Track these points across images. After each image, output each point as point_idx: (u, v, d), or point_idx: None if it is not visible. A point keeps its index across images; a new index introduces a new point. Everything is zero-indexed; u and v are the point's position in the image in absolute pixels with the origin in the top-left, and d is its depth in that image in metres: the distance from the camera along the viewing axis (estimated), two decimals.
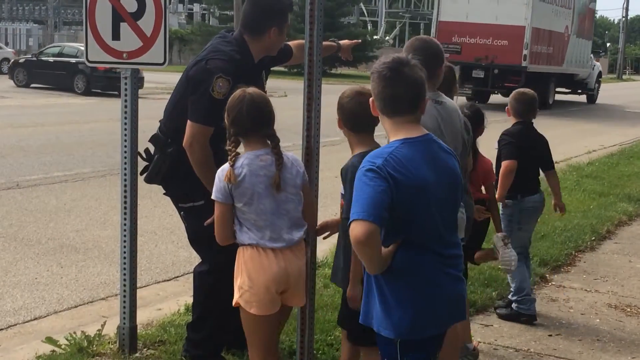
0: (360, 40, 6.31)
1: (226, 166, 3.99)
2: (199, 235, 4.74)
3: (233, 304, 4.09)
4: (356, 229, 3.04)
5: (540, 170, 6.39)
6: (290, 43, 5.45)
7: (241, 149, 4.10)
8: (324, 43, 5.62)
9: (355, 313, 4.26)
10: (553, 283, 7.41)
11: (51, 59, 32.35)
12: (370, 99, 3.36)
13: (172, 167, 4.79)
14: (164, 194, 4.94)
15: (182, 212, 4.94)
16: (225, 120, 4.05)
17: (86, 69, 30.45)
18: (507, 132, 6.14)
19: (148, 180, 4.95)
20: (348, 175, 4.02)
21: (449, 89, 4.95)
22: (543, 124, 25.75)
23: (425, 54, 4.40)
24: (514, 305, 6.23)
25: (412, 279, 3.23)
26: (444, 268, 3.30)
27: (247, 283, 3.99)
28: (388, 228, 3.15)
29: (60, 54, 32.74)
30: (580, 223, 9.63)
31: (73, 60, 31.46)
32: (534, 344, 5.82)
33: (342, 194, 4.18)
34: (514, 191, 6.02)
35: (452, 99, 4.95)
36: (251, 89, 4.05)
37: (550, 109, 29.73)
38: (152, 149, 4.98)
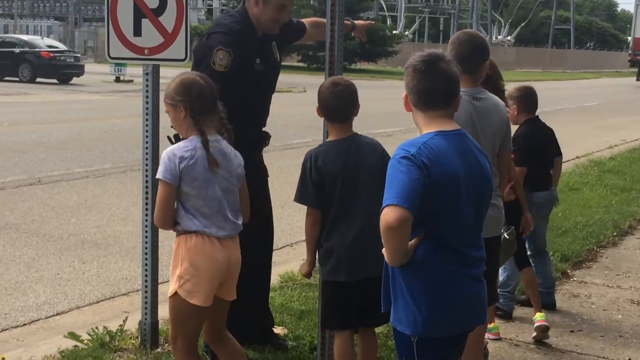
0: (374, 22, 6.28)
1: (177, 146, 3.91)
2: None
3: (169, 294, 3.99)
4: (389, 214, 3.00)
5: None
6: (304, 20, 5.44)
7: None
8: None
9: (322, 301, 4.42)
10: (575, 279, 7.38)
11: None
12: (403, 94, 3.34)
13: None
14: None
15: None
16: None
17: (32, 58, 33.20)
18: (517, 136, 5.98)
19: None
20: (304, 160, 4.22)
21: (494, 85, 4.88)
22: (564, 120, 25.68)
23: (470, 47, 4.40)
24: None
25: (430, 276, 3.20)
26: (464, 268, 3.26)
27: (189, 272, 3.89)
28: (414, 220, 3.12)
29: (2, 45, 34.71)
30: (602, 218, 9.57)
31: (17, 50, 33.81)
32: (556, 340, 5.80)
33: None
34: (524, 185, 5.98)
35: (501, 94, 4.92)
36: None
37: None
38: None
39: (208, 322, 4.16)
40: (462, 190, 3.19)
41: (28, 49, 33.93)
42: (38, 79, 33.09)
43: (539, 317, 5.80)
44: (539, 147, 6.14)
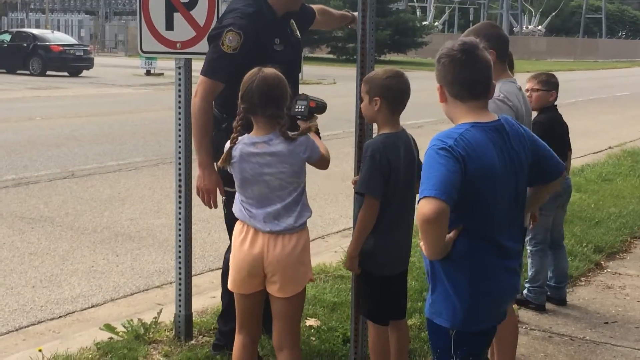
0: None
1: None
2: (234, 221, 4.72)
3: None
4: (426, 207, 2.96)
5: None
6: (314, 7, 5.36)
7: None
8: (339, 13, 5.58)
9: (366, 295, 4.34)
10: (608, 270, 7.32)
11: (5, 44, 35.64)
12: (438, 86, 3.27)
13: None
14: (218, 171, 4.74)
15: (224, 197, 4.80)
16: (239, 96, 3.98)
17: (42, 52, 34.44)
18: (540, 124, 5.86)
19: None
20: (368, 151, 4.11)
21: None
22: (597, 110, 25.37)
23: (499, 39, 4.44)
24: (524, 291, 6.14)
25: (470, 269, 3.17)
26: (502, 261, 3.23)
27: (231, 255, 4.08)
28: (452, 213, 3.10)
29: (13, 39, 36.01)
30: (636, 209, 9.49)
31: (27, 44, 35.07)
32: (590, 331, 5.76)
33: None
34: None
35: None
36: (268, 69, 3.95)
37: None
38: None
39: (275, 322, 4.13)
40: (499, 183, 3.16)
41: (38, 43, 34.97)
42: (48, 72, 34.03)
43: None
44: (556, 135, 5.94)
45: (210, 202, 4.73)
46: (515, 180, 3.24)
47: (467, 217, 3.15)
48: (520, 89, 4.47)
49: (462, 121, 3.20)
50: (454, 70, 3.19)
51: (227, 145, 3.96)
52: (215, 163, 4.58)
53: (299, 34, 4.98)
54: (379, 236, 4.16)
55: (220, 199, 4.80)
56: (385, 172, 4.08)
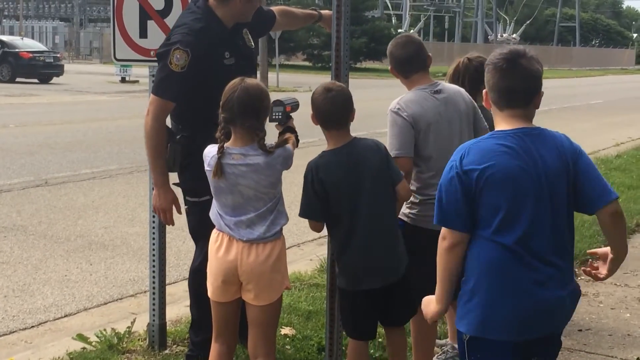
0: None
1: (209, 150, 3.97)
2: (198, 230, 4.69)
3: None
4: (444, 239, 3.15)
5: None
6: (274, 8, 5.30)
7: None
8: (303, 12, 5.52)
9: (352, 323, 4.29)
10: (582, 277, 7.34)
11: None
12: (484, 91, 3.25)
13: (185, 156, 4.62)
14: (174, 184, 4.76)
15: (187, 206, 4.80)
16: (220, 106, 3.94)
17: (11, 59, 34.54)
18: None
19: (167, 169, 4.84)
20: (304, 174, 4.10)
21: (476, 87, 4.84)
22: (571, 117, 25.56)
23: (390, 56, 4.56)
24: None
25: (487, 276, 3.12)
26: (528, 271, 3.11)
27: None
28: (472, 224, 3.12)
29: None
30: None
31: None
32: (564, 339, 5.75)
33: None
34: None
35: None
36: (251, 79, 3.95)
37: None
38: None
39: (250, 330, 4.11)
40: (519, 187, 3.07)
41: (7, 50, 34.94)
42: (17, 79, 34.01)
43: None
44: None
45: (167, 220, 4.75)
46: (543, 185, 3.11)
47: (486, 225, 3.11)
48: (438, 92, 4.44)
49: (498, 128, 3.18)
50: (493, 77, 3.17)
51: (215, 157, 3.90)
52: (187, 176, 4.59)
53: (252, 44, 4.91)
54: (340, 257, 4.18)
55: (183, 208, 4.81)
56: (320, 192, 4.04)
